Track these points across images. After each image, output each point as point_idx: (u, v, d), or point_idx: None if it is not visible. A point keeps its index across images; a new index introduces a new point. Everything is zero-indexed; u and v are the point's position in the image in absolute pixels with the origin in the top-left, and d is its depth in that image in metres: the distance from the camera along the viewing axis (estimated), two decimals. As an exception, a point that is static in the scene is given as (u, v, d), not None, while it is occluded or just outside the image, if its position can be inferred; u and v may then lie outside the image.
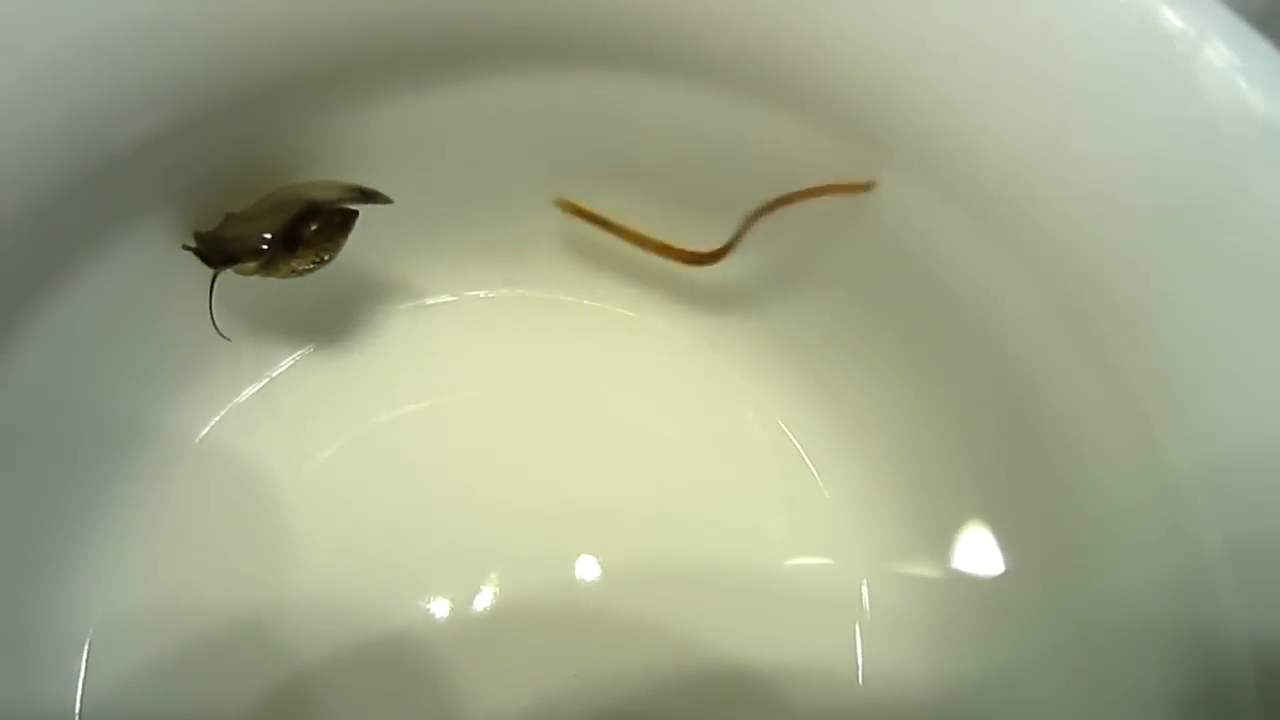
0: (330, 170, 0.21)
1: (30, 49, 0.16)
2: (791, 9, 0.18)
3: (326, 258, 0.21)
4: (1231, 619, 0.17)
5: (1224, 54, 0.16)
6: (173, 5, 0.17)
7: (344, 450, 0.24)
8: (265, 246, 0.20)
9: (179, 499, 0.23)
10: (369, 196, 0.20)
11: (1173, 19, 0.16)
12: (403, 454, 0.25)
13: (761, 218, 0.21)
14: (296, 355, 0.25)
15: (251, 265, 0.20)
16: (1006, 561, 0.22)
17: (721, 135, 0.21)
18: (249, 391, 0.25)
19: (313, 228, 0.20)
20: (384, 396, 0.25)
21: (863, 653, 0.23)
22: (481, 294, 0.26)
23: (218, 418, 0.24)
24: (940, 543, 0.23)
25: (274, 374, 0.25)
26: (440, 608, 0.23)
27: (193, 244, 0.20)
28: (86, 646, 0.22)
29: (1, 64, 0.16)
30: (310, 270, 0.21)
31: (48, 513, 0.22)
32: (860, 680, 0.23)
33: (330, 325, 0.25)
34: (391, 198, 0.21)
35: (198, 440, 0.24)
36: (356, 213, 0.21)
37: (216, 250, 0.20)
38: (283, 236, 0.20)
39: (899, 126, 0.19)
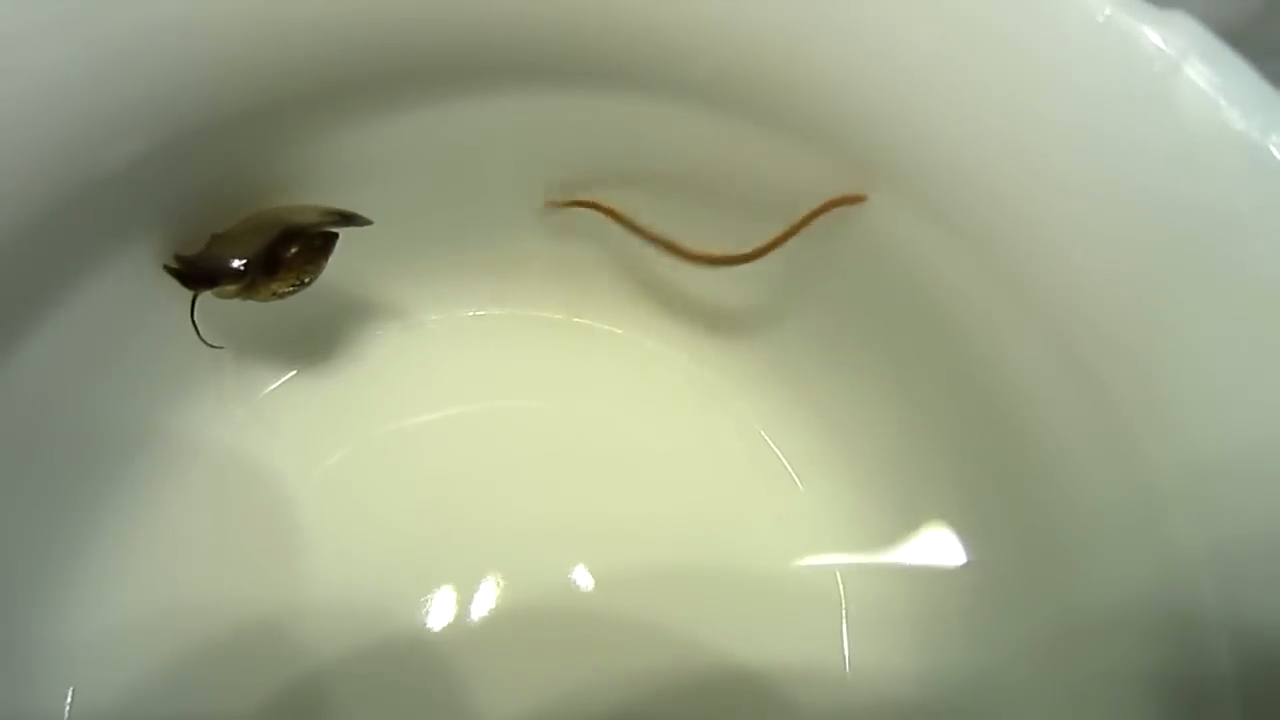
0: (321, 189, 0.21)
1: (23, 70, 0.16)
2: (776, 32, 0.18)
3: (307, 280, 0.20)
4: (1209, 608, 0.18)
5: (1203, 73, 0.16)
6: (161, 28, 0.17)
7: (340, 464, 0.24)
8: (244, 269, 0.20)
9: (181, 507, 0.23)
10: (348, 219, 0.20)
11: (1153, 38, 0.16)
12: (397, 468, 0.25)
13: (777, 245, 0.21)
14: (291, 372, 0.25)
15: (231, 288, 0.20)
16: (987, 557, 0.23)
17: (710, 155, 0.21)
18: (245, 407, 0.25)
19: (292, 251, 0.20)
20: (376, 413, 0.25)
21: (849, 648, 0.24)
22: (471, 312, 0.26)
23: (216, 430, 0.24)
24: (921, 541, 0.24)
25: (267, 391, 0.25)
26: (443, 612, 0.23)
27: (174, 265, 0.20)
28: (89, 651, 0.22)
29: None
30: (291, 293, 0.21)
31: (53, 519, 0.22)
32: (848, 675, 0.24)
33: (325, 343, 0.25)
34: (371, 219, 0.20)
35: (198, 450, 0.24)
36: (336, 236, 0.20)
37: (196, 271, 0.20)
38: (262, 260, 0.20)
39: (883, 147, 0.19)
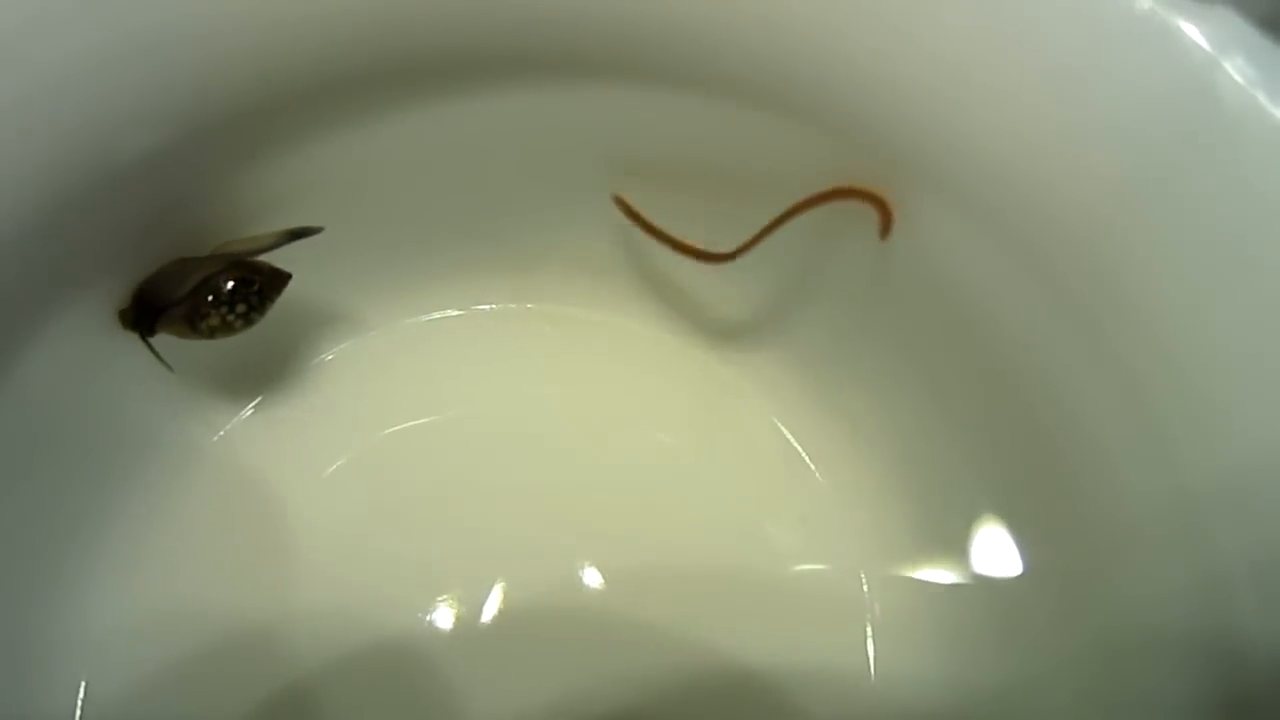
0: (340, 184, 0.21)
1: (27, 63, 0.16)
2: (803, 20, 0.18)
3: (255, 317, 0.20)
4: (1252, 625, 0.17)
5: (1242, 67, 0.16)
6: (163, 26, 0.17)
7: (352, 462, 0.24)
8: (177, 308, 0.19)
9: (185, 509, 0.23)
10: (298, 235, 0.20)
11: (1191, 33, 0.16)
12: (410, 465, 0.24)
13: (781, 224, 0.20)
14: (305, 369, 0.25)
15: (177, 327, 0.20)
16: (1020, 565, 0.22)
17: (734, 151, 0.20)
18: (255, 404, 0.25)
19: (230, 285, 0.19)
20: (392, 409, 0.25)
21: (874, 657, 0.23)
22: (489, 307, 0.26)
23: (226, 429, 0.24)
24: (951, 546, 0.23)
25: (281, 387, 0.25)
26: (445, 616, 0.23)
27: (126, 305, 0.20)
28: (91, 653, 0.22)
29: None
30: (234, 331, 0.20)
31: (56, 520, 0.22)
32: (872, 685, 0.23)
33: (338, 339, 0.25)
34: (322, 226, 0.20)
35: (206, 450, 0.24)
36: (288, 275, 0.20)
37: (137, 313, 0.20)
38: (198, 297, 0.19)
39: (911, 138, 0.19)
